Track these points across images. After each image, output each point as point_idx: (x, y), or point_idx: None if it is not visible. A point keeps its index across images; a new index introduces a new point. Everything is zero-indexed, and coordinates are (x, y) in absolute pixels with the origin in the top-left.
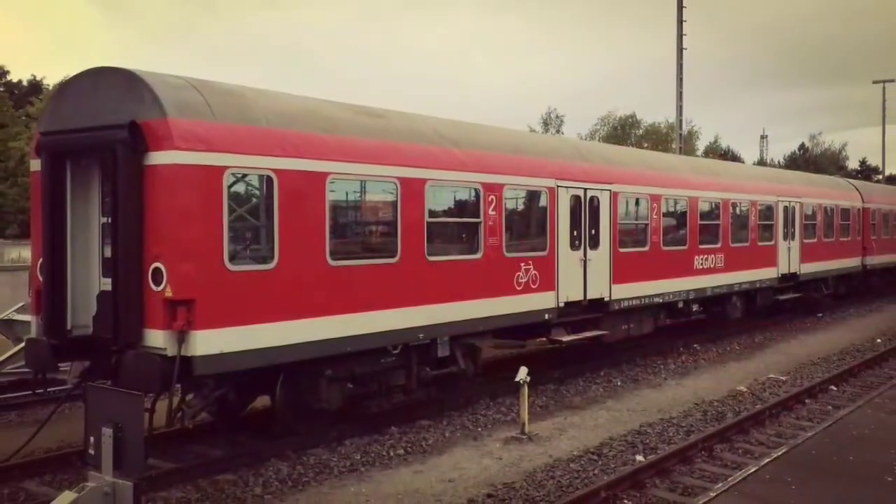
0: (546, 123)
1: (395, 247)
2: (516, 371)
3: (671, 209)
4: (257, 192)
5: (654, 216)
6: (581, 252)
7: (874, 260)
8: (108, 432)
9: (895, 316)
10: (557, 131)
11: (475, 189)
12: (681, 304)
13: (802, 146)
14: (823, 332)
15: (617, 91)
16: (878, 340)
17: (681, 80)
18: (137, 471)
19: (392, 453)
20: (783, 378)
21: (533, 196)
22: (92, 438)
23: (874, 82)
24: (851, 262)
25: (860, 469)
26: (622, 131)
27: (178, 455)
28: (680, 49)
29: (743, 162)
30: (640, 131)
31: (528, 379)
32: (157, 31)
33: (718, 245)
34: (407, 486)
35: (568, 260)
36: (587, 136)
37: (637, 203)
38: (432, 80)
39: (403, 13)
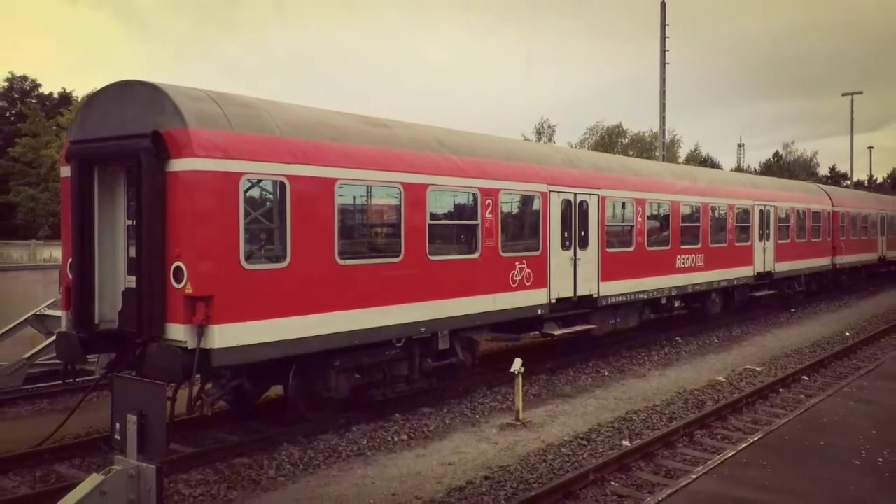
0: (539, 133)
1: (398, 247)
2: (511, 362)
3: (655, 212)
4: (271, 197)
5: (639, 219)
6: (571, 252)
7: (843, 259)
8: (132, 419)
9: (863, 311)
10: (549, 140)
11: (473, 194)
12: (664, 301)
13: (777, 154)
14: (797, 326)
15: (605, 102)
16: (847, 334)
17: (664, 92)
18: (160, 455)
19: (396, 438)
20: (759, 369)
21: (526, 200)
22: (118, 425)
23: (843, 94)
24: (822, 262)
25: (830, 452)
26: (609, 140)
27: (197, 440)
28: (663, 64)
29: (721, 168)
30: (626, 140)
31: (523, 369)
32: (179, 48)
33: (699, 245)
34: (410, 468)
35: (559, 259)
36: (577, 145)
37: (623, 207)
38: (432, 92)
39: (406, 29)
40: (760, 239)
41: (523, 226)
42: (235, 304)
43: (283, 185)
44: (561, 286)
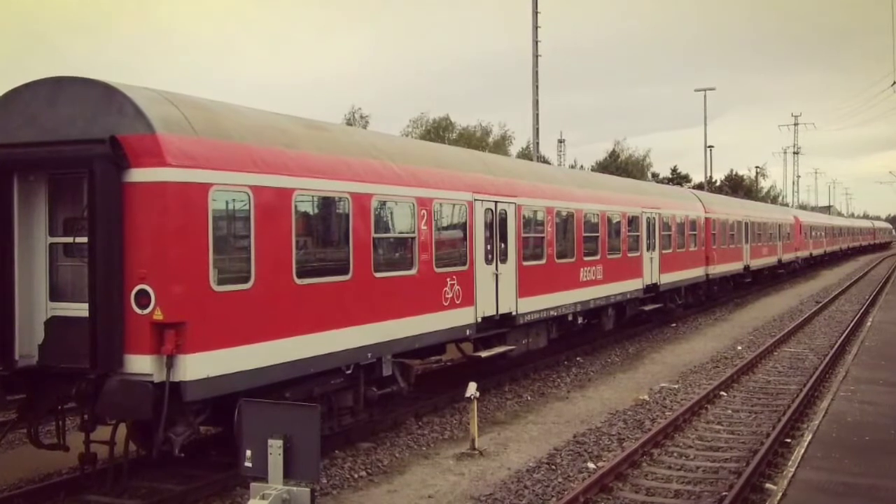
0: (350, 124)
1: (348, 264)
2: (425, 388)
3: (562, 222)
4: (236, 210)
5: (549, 229)
6: (494, 266)
7: (715, 269)
8: (276, 444)
9: (742, 324)
10: None
11: (410, 204)
12: (570, 317)
13: (614, 152)
14: (685, 341)
15: (426, 92)
16: (739, 348)
17: (536, 87)
18: (316, 477)
19: (355, 475)
20: (675, 386)
21: (455, 210)
22: (249, 452)
23: (696, 90)
24: (698, 272)
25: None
26: (436, 134)
27: (131, 491)
28: (535, 57)
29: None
30: (454, 135)
31: (478, 394)
32: None
33: (598, 257)
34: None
35: (483, 274)
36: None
37: (535, 216)
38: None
39: None
40: (648, 249)
41: (453, 238)
42: (206, 330)
43: (247, 197)
44: (485, 304)
